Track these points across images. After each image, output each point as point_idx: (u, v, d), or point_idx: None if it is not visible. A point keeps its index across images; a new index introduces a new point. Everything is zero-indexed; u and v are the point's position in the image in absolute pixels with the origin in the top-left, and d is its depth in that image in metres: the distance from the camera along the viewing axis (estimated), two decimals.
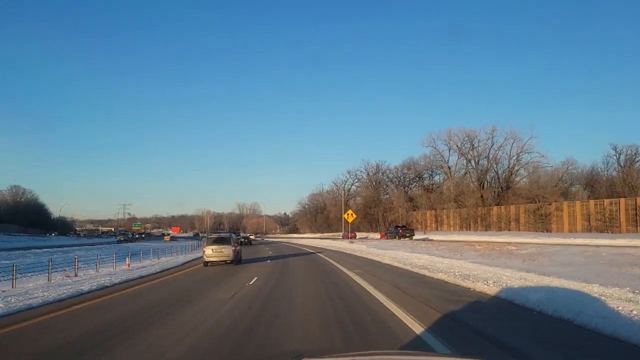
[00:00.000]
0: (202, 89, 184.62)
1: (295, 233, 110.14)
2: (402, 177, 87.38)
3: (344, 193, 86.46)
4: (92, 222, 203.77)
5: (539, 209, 55.51)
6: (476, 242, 36.09)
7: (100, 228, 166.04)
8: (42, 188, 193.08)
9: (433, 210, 72.98)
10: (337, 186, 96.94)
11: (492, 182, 74.02)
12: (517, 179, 73.25)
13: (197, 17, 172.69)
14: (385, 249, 34.70)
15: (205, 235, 73.33)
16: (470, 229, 65.79)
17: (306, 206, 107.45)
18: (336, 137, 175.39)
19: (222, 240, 23.48)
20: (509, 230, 58.96)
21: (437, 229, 72.46)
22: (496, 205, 63.74)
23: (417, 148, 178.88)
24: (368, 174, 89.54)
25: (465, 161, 77.89)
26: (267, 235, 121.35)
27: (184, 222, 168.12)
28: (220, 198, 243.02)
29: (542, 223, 55.12)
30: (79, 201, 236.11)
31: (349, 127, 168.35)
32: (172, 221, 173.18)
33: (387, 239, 53.94)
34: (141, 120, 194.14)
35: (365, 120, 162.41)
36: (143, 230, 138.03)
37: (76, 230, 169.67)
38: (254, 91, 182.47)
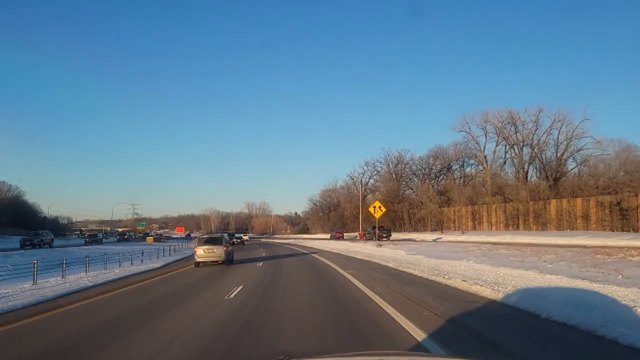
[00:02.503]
0: (210, 88, 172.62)
1: (305, 233, 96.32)
2: (427, 169, 73.30)
3: (361, 186, 72.64)
4: (102, 222, 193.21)
5: (619, 203, 41.28)
6: (601, 246, 22.09)
7: (103, 228, 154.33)
8: (47, 189, 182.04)
9: (469, 206, 58.85)
10: (353, 180, 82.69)
11: (539, 172, 59.66)
12: (568, 168, 59.03)
13: (205, 16, 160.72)
14: (439, 257, 21.06)
15: (197, 235, 61.70)
16: (519, 228, 51.65)
17: (318, 203, 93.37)
18: (350, 130, 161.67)
19: (214, 240, 22.22)
20: (573, 229, 44.77)
21: (474, 227, 58.40)
22: (554, 198, 49.33)
23: (446, 136, 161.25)
24: (388, 165, 75.50)
25: (504, 148, 63.66)
26: (275, 236, 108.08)
27: (190, 222, 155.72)
28: (229, 197, 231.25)
29: (624, 220, 40.92)
30: (89, 202, 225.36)
31: (364, 118, 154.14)
32: (179, 221, 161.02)
33: (365, 239, 47.97)
34: (149, 120, 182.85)
35: (382, 109, 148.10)
36: (141, 232, 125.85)
37: (81, 231, 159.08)
38: (263, 88, 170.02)
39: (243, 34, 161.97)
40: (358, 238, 56.49)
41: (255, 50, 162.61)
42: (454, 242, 36.47)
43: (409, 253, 25.36)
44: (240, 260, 25.83)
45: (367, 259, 22.52)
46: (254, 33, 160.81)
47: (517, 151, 60.34)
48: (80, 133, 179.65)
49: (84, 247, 39.01)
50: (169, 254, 34.02)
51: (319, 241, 55.42)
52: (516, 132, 60.92)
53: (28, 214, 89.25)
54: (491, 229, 55.73)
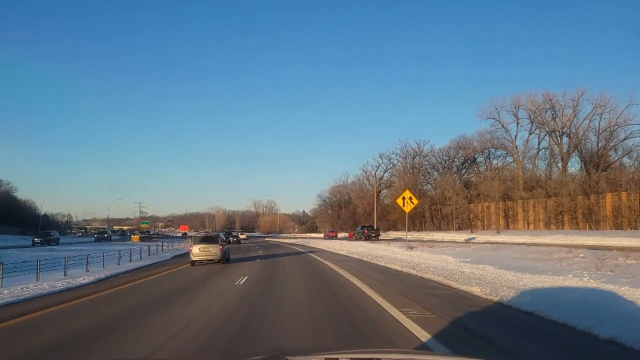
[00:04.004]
0: (217, 85, 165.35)
1: (314, 232, 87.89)
2: (448, 162, 64.72)
3: (376, 180, 64.21)
4: (109, 220, 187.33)
5: None
6: None
7: (106, 227, 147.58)
8: (51, 188, 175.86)
9: (501, 202, 50.19)
10: (366, 173, 73.46)
11: (584, 163, 50.80)
12: (611, 159, 50.20)
13: (215, 12, 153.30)
14: (517, 268, 12.76)
15: (192, 234, 54.75)
16: (564, 227, 43.00)
17: (327, 200, 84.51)
18: (362, 126, 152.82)
19: (210, 239, 21.42)
20: (636, 228, 36.12)
21: (506, 226, 49.76)
22: (611, 192, 40.52)
23: (469, 126, 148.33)
24: (405, 158, 66.88)
25: (538, 137, 54.87)
26: (282, 235, 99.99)
27: (195, 220, 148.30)
28: (237, 196, 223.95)
29: None
30: (97, 201, 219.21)
31: (377, 113, 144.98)
32: (184, 219, 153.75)
33: (354, 239, 46.72)
34: (157, 118, 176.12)
35: (396, 101, 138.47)
36: (145, 230, 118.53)
37: (86, 229, 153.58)
38: (271, 85, 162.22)
39: (248, 30, 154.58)
40: (348, 237, 53.01)
41: (262, 47, 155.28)
42: (497, 243, 28.02)
43: (462, 260, 17.05)
44: (219, 270, 17.86)
45: (411, 271, 14.18)
46: (260, 30, 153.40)
47: (556, 139, 51.56)
48: (86, 132, 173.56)
49: (29, 249, 30.03)
50: (140, 257, 26.04)
51: (328, 241, 47.21)
52: (554, 118, 52.18)
53: (19, 211, 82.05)
54: (528, 228, 47.17)
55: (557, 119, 51.34)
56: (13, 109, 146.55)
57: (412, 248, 25.06)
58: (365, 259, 20.54)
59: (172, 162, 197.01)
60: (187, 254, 33.58)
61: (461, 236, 43.18)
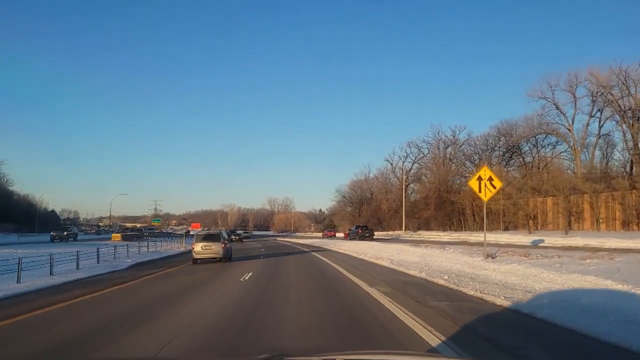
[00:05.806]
0: (231, 81, 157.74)
1: (331, 231, 78.30)
2: (487, 151, 54.69)
3: (403, 173, 54.50)
4: (125, 218, 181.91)
5: None
6: None
7: (112, 223, 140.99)
8: (61, 186, 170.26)
9: (562, 196, 40.09)
10: (392, 165, 62.98)
11: None
12: None
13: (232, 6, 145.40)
14: None
15: (194, 232, 47.84)
16: None
17: (347, 195, 74.32)
18: (382, 120, 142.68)
19: (212, 237, 20.86)
20: None
21: (569, 226, 39.62)
22: None
23: (510, 110, 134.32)
24: (438, 147, 56.96)
25: (599, 120, 44.53)
26: (297, 234, 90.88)
27: (207, 218, 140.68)
28: (253, 193, 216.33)
29: None
30: (108, 199, 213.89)
31: (404, 97, 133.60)
32: (197, 217, 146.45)
33: (349, 239, 45.92)
34: (171, 116, 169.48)
35: (427, 84, 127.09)
36: (156, 228, 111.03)
37: (98, 226, 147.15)
38: (282, 81, 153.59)
39: (258, 27, 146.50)
40: (344, 237, 51.70)
41: (273, 43, 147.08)
42: (581, 248, 18.33)
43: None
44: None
45: None
46: (274, 26, 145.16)
47: (629, 121, 41.18)
48: (99, 129, 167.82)
49: None
50: (78, 267, 17.10)
51: (348, 243, 37.86)
52: (623, 97, 41.82)
53: (16, 207, 74.83)
54: (598, 229, 37.11)
55: (631, 96, 41.01)
56: (27, 107, 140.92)
57: (493, 257, 15.61)
58: (441, 281, 11.03)
59: (189, 159, 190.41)
60: (167, 258, 25.86)
61: (517, 238, 33.41)
